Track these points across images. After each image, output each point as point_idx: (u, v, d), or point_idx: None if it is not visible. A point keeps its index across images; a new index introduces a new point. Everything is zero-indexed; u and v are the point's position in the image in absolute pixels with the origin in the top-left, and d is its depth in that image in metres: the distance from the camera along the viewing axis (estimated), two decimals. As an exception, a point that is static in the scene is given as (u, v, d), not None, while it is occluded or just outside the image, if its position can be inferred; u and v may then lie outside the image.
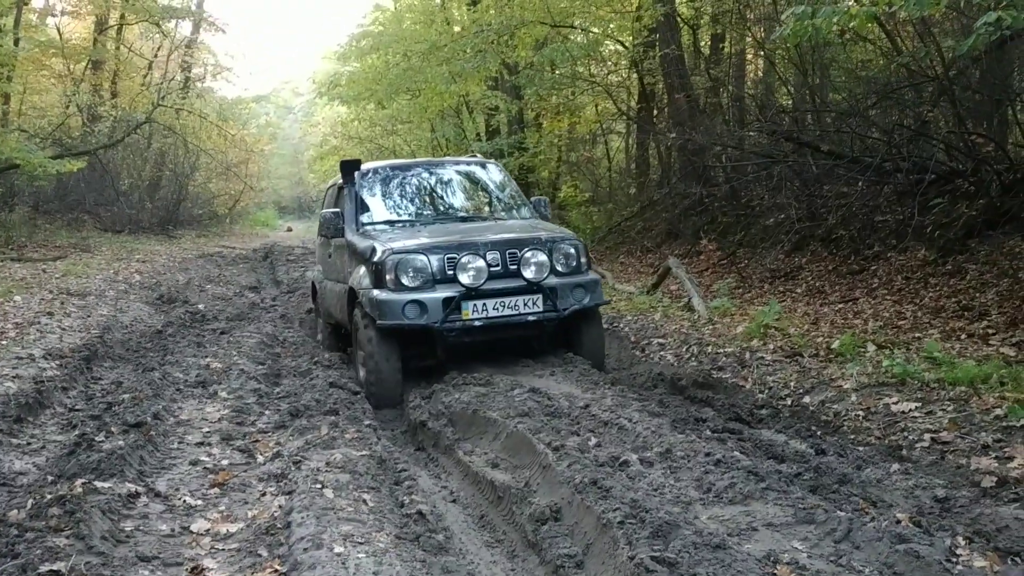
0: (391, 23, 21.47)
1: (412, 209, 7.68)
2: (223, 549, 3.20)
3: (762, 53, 14.05)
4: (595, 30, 15.05)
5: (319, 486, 3.67)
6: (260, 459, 4.47)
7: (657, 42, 13.51)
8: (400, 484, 4.03)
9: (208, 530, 3.39)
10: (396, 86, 16.52)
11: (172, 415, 5.26)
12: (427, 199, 7.86)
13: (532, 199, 8.01)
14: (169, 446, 4.59)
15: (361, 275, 6.59)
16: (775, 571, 2.80)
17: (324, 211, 7.55)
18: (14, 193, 19.38)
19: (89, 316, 9.18)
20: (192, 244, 23.53)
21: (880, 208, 10.14)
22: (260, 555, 3.10)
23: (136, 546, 3.12)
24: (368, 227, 7.14)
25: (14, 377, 5.92)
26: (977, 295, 7.28)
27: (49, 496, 3.32)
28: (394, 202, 7.67)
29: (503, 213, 7.73)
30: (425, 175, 8.06)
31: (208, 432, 4.97)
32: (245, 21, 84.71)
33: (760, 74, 16.49)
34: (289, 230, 38.65)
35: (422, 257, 6.25)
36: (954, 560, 2.89)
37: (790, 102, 13.31)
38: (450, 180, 8.07)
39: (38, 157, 15.92)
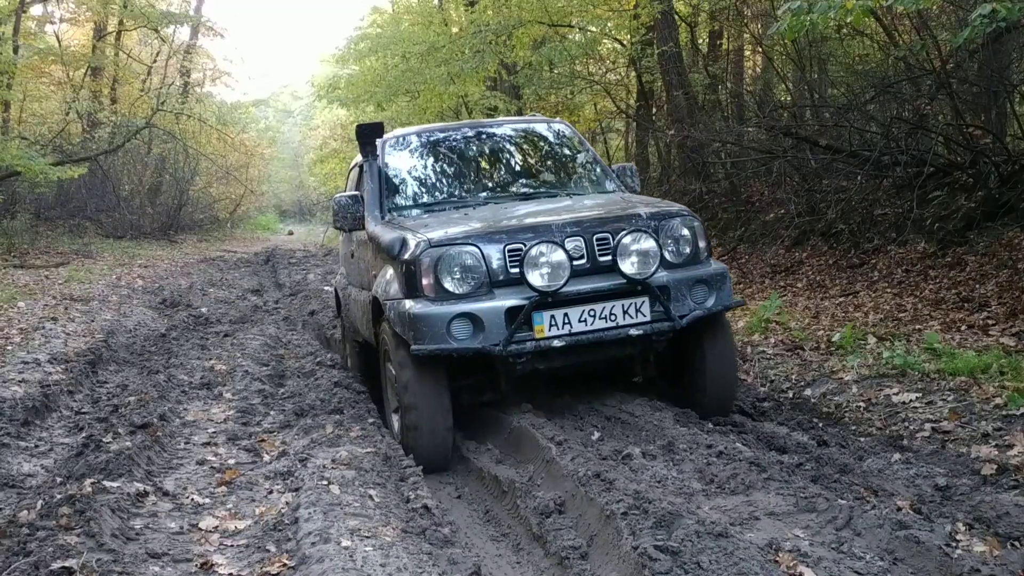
0: (389, 25, 21.49)
1: (456, 187, 5.77)
2: (232, 545, 3.24)
3: (760, 49, 14.09)
4: (593, 29, 15.07)
5: (325, 483, 3.71)
6: (266, 458, 4.51)
7: (655, 40, 13.53)
8: (405, 479, 4.07)
9: (216, 527, 3.43)
10: (395, 88, 16.54)
11: (178, 416, 5.31)
12: (475, 173, 5.97)
13: (615, 167, 6.06)
14: (176, 446, 4.63)
15: (388, 279, 4.79)
16: (777, 558, 2.83)
17: (339, 196, 5.59)
18: (16, 200, 19.44)
19: (93, 321, 9.22)
20: (194, 248, 23.59)
21: (879, 201, 10.16)
22: (268, 550, 3.14)
23: (146, 543, 3.16)
24: (397, 213, 5.40)
25: (20, 381, 5.97)
26: (977, 286, 7.31)
27: (59, 496, 3.37)
28: (431, 178, 5.89)
29: (578, 187, 5.86)
30: (471, 141, 6.13)
31: (214, 432, 5.02)
32: (244, 25, 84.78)
33: (758, 70, 16.53)
34: (290, 234, 38.74)
35: (473, 249, 4.42)
36: (954, 545, 2.92)
37: (788, 97, 13.35)
38: (505, 146, 6.17)
39: (39, 164, 15.96)
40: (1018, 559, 2.80)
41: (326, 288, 13.79)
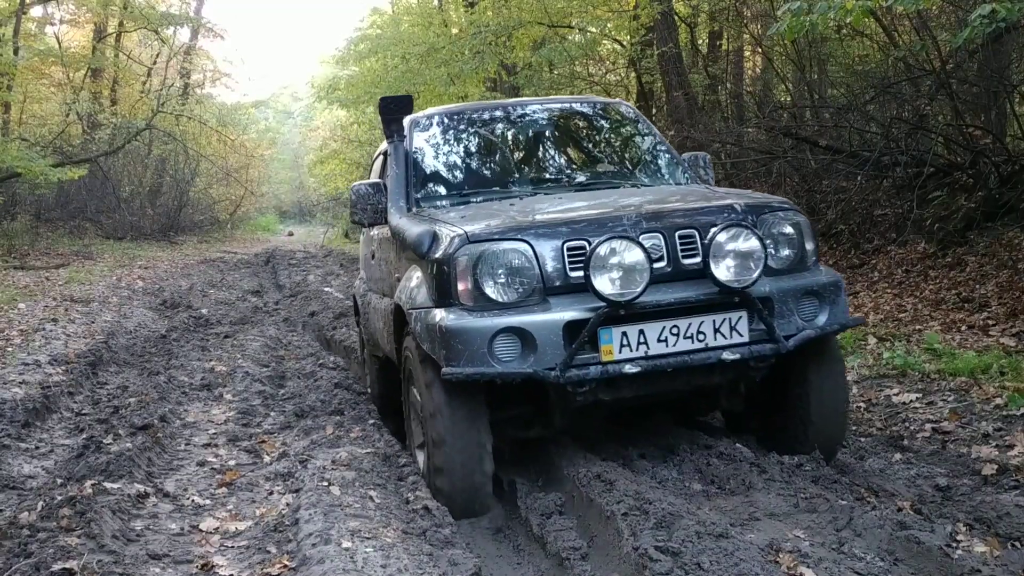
0: (389, 26, 21.51)
1: (498, 174, 4.85)
2: (232, 546, 3.24)
3: (759, 50, 14.10)
4: (592, 29, 15.08)
5: (326, 484, 3.71)
6: (266, 459, 4.51)
7: (655, 40, 13.54)
8: (404, 480, 4.07)
9: (217, 528, 3.43)
10: (395, 88, 16.54)
11: (178, 417, 5.31)
12: (521, 158, 5.03)
13: (685, 155, 5.06)
14: (176, 448, 4.64)
15: (414, 283, 3.92)
16: (777, 559, 2.83)
17: (357, 184, 4.78)
18: (16, 202, 19.47)
19: (93, 322, 9.23)
20: (194, 250, 23.62)
21: (879, 202, 10.17)
22: (269, 551, 3.14)
23: (147, 544, 3.17)
24: (426, 204, 4.49)
25: (21, 383, 5.97)
26: (977, 287, 7.31)
27: (60, 497, 3.37)
28: (469, 164, 4.94)
29: (644, 176, 4.87)
30: (515, 122, 5.13)
31: (214, 434, 5.02)
32: (243, 26, 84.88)
33: (758, 71, 16.54)
34: (290, 235, 38.79)
35: (522, 246, 3.54)
36: (954, 546, 2.92)
37: (788, 98, 13.35)
38: (555, 128, 5.16)
39: (39, 165, 15.98)
40: (1018, 559, 2.80)
41: (326, 289, 13.80)
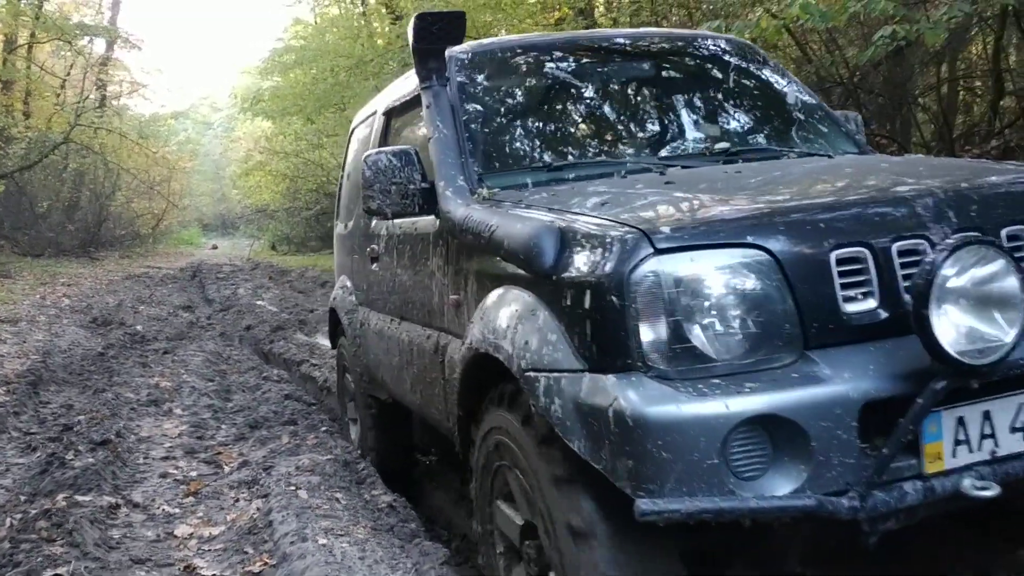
0: (314, 37, 21.50)
1: (601, 138, 3.33)
2: (210, 550, 3.40)
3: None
4: (518, 42, 15.43)
5: (293, 488, 3.88)
6: (227, 469, 4.64)
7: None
8: (364, 482, 4.26)
9: (192, 534, 3.57)
10: (324, 101, 16.64)
11: (132, 433, 5.37)
12: (631, 116, 3.42)
13: (837, 113, 3.72)
14: (136, 462, 4.72)
15: (521, 320, 2.24)
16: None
17: (373, 153, 3.10)
18: (-73, 220, 18.80)
19: (25, 342, 9.09)
20: (116, 266, 23.10)
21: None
22: (247, 552, 3.31)
23: (128, 551, 3.30)
24: (494, 183, 2.93)
25: (-37, 404, 5.93)
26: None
27: (35, 511, 3.47)
28: (554, 124, 3.39)
29: (808, 142, 3.34)
30: (611, 64, 3.55)
31: (171, 447, 5.11)
32: (161, 37, 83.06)
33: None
34: (214, 248, 38.16)
35: (758, 256, 1.96)
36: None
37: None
38: (672, 76, 3.61)
39: (-47, 182, 15.50)
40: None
41: (258, 303, 13.78)
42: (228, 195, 46.99)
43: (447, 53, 3.25)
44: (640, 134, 3.37)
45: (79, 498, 3.70)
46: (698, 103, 3.54)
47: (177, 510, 3.91)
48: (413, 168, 3.07)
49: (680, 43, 3.76)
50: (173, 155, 32.18)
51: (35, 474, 4.16)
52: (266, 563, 3.13)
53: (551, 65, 3.48)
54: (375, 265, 4.05)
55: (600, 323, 1.98)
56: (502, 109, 3.36)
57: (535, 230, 2.21)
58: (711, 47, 3.78)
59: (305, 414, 5.76)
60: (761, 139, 3.43)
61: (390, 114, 4.08)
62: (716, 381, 1.88)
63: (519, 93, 3.46)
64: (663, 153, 3.22)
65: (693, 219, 2.08)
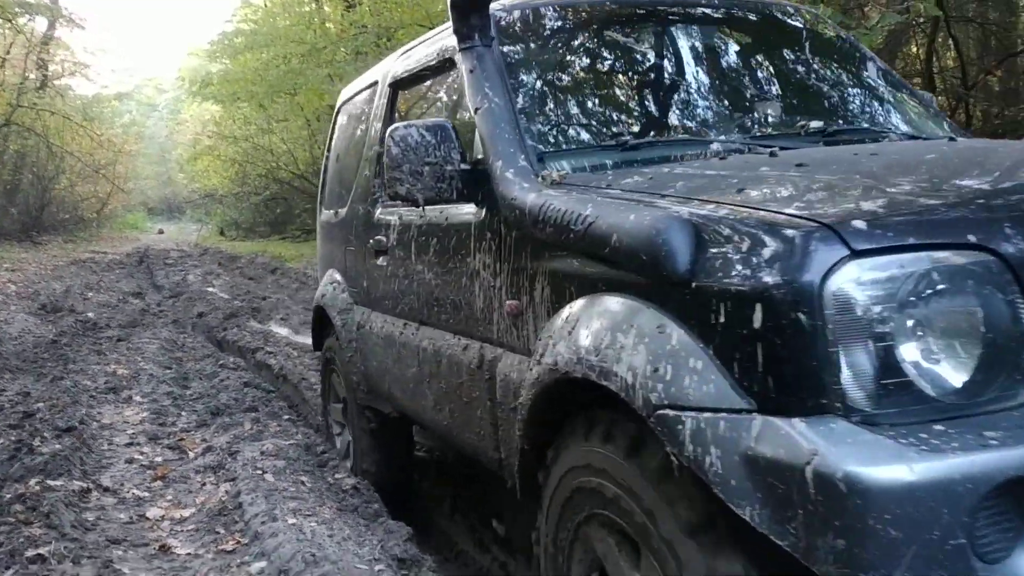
0: (264, 22, 21.34)
1: (677, 114, 2.91)
2: (182, 530, 3.57)
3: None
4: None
5: (260, 472, 4.06)
6: (191, 455, 4.79)
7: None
8: (326, 466, 4.46)
9: (163, 516, 3.74)
10: (276, 87, 16.60)
11: (94, 420, 5.47)
12: (710, 90, 2.96)
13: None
14: (101, 448, 4.84)
15: (638, 339, 1.72)
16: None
17: (401, 128, 2.58)
18: None
19: (-27, 329, 9.04)
20: (61, 251, 22.73)
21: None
22: (219, 532, 3.48)
23: (104, 532, 3.45)
24: (555, 164, 2.44)
25: (-82, 393, 5.95)
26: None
27: (9, 495, 3.60)
28: (622, 96, 3.01)
29: (902, 123, 2.97)
30: (681, 30, 3.06)
31: (134, 434, 5.23)
32: (105, 16, 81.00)
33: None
34: (160, 232, 37.66)
35: (986, 261, 1.47)
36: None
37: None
38: (753, 47, 3.21)
39: None
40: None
41: (209, 289, 13.77)
42: (174, 179, 46.26)
43: (491, 7, 2.83)
44: (726, 111, 2.90)
45: (51, 483, 3.83)
46: (785, 77, 3.15)
47: (147, 494, 4.06)
48: (451, 145, 2.57)
49: (754, 11, 3.31)
50: (118, 138, 31.60)
51: (3, 460, 4.26)
52: (239, 542, 3.31)
53: (618, 26, 3.05)
54: (381, 259, 3.49)
55: (778, 348, 1.48)
56: (560, 76, 2.89)
57: (661, 222, 1.73)
58: (787, 18, 3.36)
59: (265, 401, 5.91)
60: (858, 119, 3.01)
61: (397, 85, 3.57)
62: (940, 428, 1.40)
63: (580, 58, 3.02)
64: (749, 132, 2.76)
65: (893, 213, 1.57)
